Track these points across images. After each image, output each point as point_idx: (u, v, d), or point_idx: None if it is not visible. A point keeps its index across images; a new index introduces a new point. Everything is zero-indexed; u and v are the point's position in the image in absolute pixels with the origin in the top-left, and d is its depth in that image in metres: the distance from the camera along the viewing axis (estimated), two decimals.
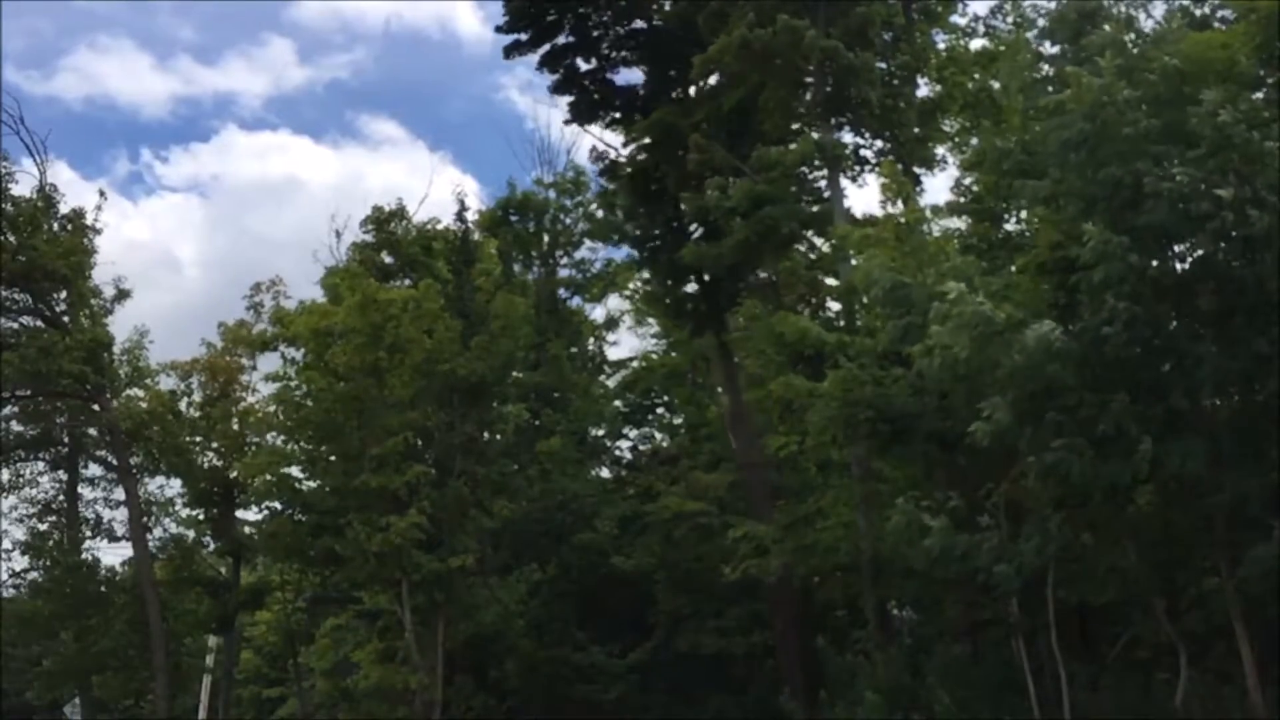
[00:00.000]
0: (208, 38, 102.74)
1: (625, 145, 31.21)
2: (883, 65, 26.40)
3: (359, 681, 30.37)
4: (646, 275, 34.97)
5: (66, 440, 33.38)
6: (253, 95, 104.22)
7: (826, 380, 18.92)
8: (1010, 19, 29.66)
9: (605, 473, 38.49)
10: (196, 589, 32.92)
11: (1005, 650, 19.16)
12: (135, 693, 33.74)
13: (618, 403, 40.02)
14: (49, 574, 32.52)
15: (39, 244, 30.60)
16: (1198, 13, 21.61)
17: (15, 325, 31.42)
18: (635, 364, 40.95)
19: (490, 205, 40.12)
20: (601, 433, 39.45)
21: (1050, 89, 20.95)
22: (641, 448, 39.31)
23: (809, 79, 26.16)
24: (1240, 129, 14.05)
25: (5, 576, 33.18)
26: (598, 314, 42.49)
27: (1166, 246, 15.32)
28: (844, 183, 26.42)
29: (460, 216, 32.64)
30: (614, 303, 42.03)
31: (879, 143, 28.01)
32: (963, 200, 24.12)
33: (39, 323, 31.40)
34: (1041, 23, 27.83)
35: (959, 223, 23.26)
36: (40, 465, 33.91)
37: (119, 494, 32.91)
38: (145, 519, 32.12)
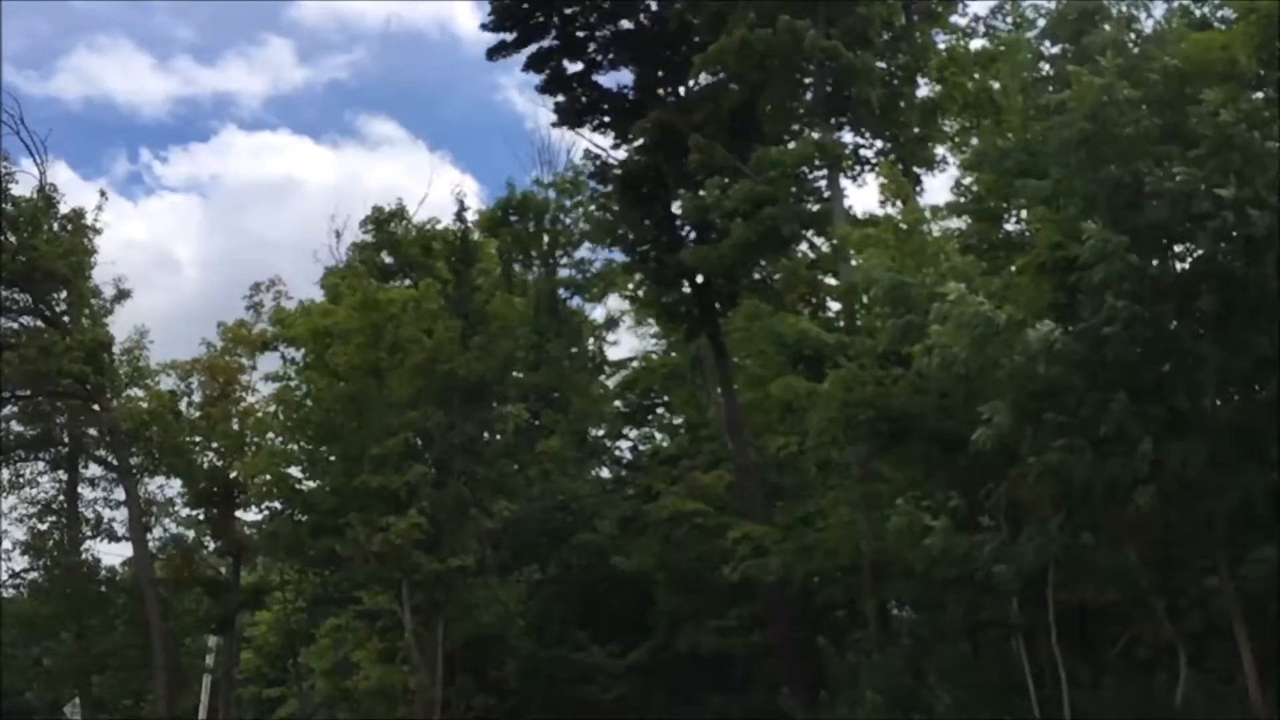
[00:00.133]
0: (207, 38, 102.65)
1: (615, 148, 30.95)
2: (883, 65, 26.36)
3: (359, 681, 30.44)
4: (639, 278, 34.78)
5: (66, 440, 33.36)
6: (252, 95, 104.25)
7: (826, 380, 18.90)
8: (1010, 19, 29.67)
9: (605, 473, 38.49)
10: (196, 589, 32.97)
11: (1005, 650, 19.15)
12: (135, 693, 33.74)
13: (618, 403, 39.99)
14: (49, 574, 32.56)
15: (39, 244, 30.65)
16: (1198, 13, 21.56)
17: (15, 325, 31.50)
18: (635, 364, 40.92)
19: (490, 205, 40.19)
20: (601, 433, 39.43)
21: (1050, 89, 20.97)
22: (641, 448, 39.30)
23: (809, 79, 26.19)
24: (1240, 129, 14.02)
25: (5, 576, 33.25)
26: (598, 314, 42.54)
27: (1167, 246, 15.30)
28: (844, 183, 26.50)
29: (460, 217, 32.63)
30: (614, 303, 42.04)
31: (879, 143, 28.05)
32: (963, 200, 24.12)
33: (39, 323, 31.46)
34: (1041, 23, 27.89)
35: (959, 223, 23.26)
36: (40, 465, 33.95)
37: (119, 494, 32.95)
38: (145, 519, 32.17)
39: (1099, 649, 18.81)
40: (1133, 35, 21.59)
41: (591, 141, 31.83)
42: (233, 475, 32.26)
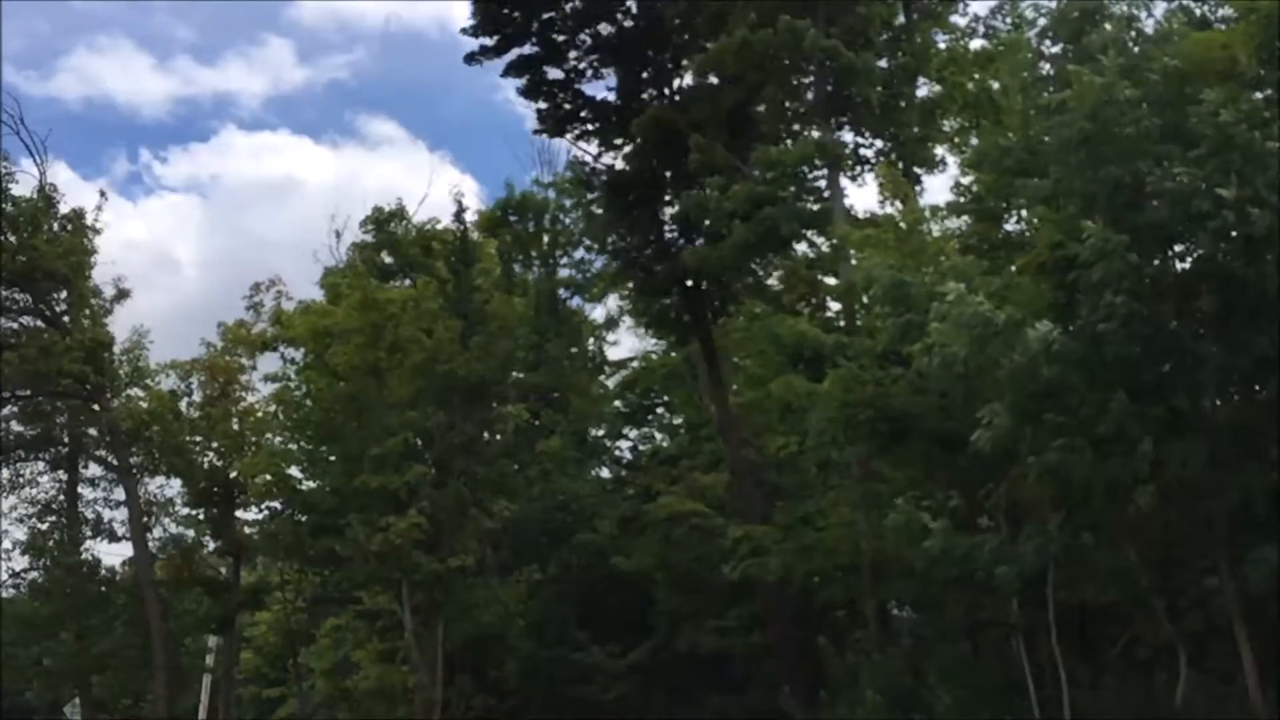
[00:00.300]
0: (206, 38, 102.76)
1: (598, 158, 30.36)
2: (883, 65, 26.36)
3: (359, 681, 30.43)
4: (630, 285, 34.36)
5: (66, 440, 33.36)
6: (251, 95, 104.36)
7: (826, 380, 18.89)
8: (1010, 19, 29.65)
9: (605, 473, 38.51)
10: (196, 589, 32.96)
11: (1005, 650, 19.14)
12: (135, 693, 33.74)
13: (618, 403, 39.99)
14: (49, 574, 32.53)
15: (39, 244, 30.65)
16: (1198, 12, 21.56)
17: (15, 325, 31.49)
18: (635, 364, 40.90)
19: (489, 205, 40.19)
20: (601, 433, 39.44)
21: (1050, 89, 20.94)
22: (641, 448, 39.31)
23: (809, 79, 26.18)
24: (1241, 129, 14.02)
25: (5, 576, 33.22)
26: (598, 314, 42.50)
27: (1167, 246, 15.30)
28: (844, 182, 26.46)
29: (459, 217, 32.63)
30: (614, 303, 42.03)
31: (879, 143, 28.00)
32: (963, 200, 24.09)
33: (39, 323, 31.46)
34: (1041, 22, 27.86)
35: (959, 222, 23.23)
36: (40, 465, 33.90)
37: (119, 494, 32.93)
38: (145, 519, 32.15)
39: (1099, 649, 18.81)
40: (1133, 35, 21.57)
41: (578, 147, 31.23)
42: (233, 475, 32.26)
